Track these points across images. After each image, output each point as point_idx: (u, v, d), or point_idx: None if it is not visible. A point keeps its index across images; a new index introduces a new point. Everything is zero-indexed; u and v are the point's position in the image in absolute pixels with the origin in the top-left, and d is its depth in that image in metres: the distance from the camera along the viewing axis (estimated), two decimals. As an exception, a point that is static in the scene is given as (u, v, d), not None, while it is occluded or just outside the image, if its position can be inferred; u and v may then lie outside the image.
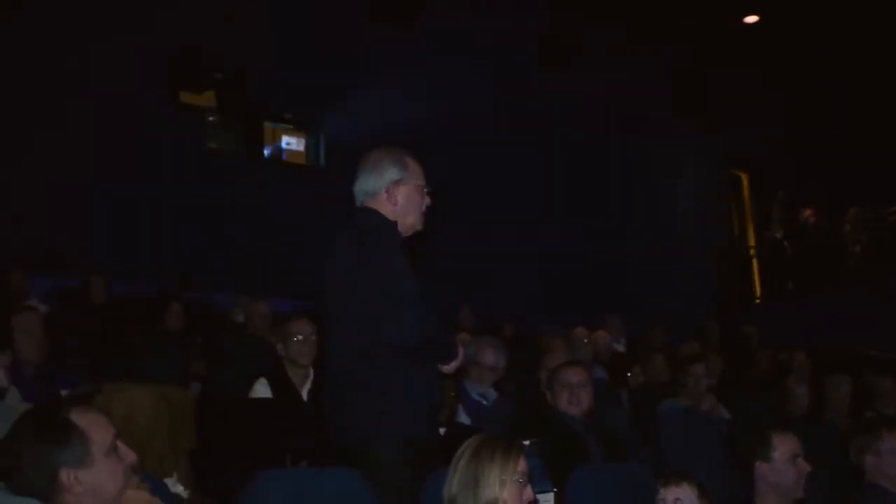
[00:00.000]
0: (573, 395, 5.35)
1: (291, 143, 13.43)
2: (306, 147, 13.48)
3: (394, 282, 3.79)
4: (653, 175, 16.55)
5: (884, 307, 13.26)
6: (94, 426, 2.63)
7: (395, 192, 4.06)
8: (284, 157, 13.43)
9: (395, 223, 4.03)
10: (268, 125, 13.27)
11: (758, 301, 16.41)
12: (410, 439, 3.83)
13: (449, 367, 4.03)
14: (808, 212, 16.07)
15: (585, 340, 8.95)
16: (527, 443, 3.81)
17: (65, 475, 2.55)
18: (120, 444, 2.69)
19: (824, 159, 16.45)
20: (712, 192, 17.78)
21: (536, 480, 3.70)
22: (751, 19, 15.86)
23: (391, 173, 4.08)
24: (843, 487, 5.11)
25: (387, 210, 4.06)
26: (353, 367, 3.88)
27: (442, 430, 5.00)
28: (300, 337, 5.76)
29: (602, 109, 15.15)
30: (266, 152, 13.28)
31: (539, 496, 3.89)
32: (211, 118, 12.61)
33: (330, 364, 4.10)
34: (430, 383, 4.00)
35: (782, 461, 4.34)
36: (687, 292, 15.23)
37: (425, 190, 4.15)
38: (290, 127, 13.46)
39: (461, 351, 4.04)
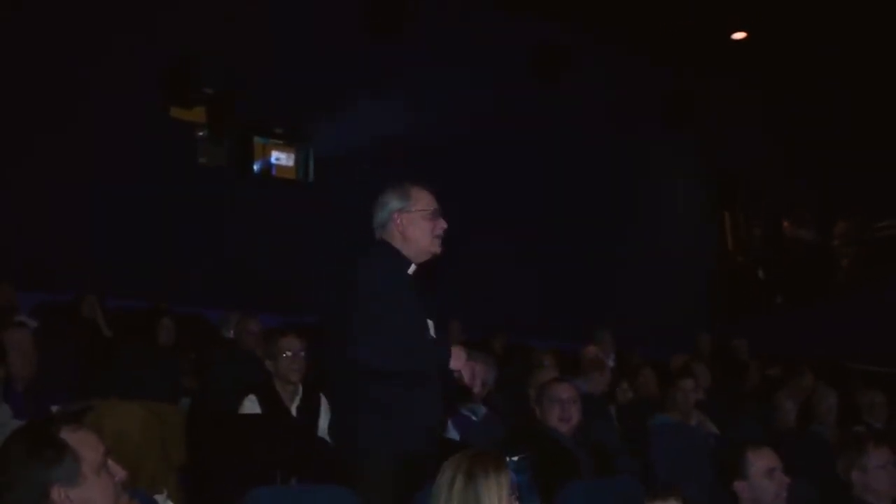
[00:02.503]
0: (563, 411, 5.35)
1: (281, 158, 13.43)
2: (296, 162, 13.48)
3: (372, 304, 3.93)
4: (644, 189, 16.58)
5: (872, 320, 13.31)
6: (85, 444, 2.64)
7: (399, 221, 4.24)
8: (274, 172, 13.43)
9: (398, 251, 4.21)
10: (258, 140, 13.27)
11: (748, 314, 16.41)
12: (402, 454, 3.88)
13: (466, 379, 4.10)
14: (786, 224, 16.14)
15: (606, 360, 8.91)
16: (516, 458, 3.81)
17: (56, 493, 2.55)
18: (110, 461, 2.70)
19: (814, 173, 16.53)
20: (704, 206, 17.82)
21: (525, 495, 3.71)
22: (738, 36, 15.91)
23: (393, 204, 4.27)
24: (832, 501, 5.11)
25: (396, 239, 4.25)
26: (353, 383, 3.98)
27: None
28: (289, 353, 5.76)
29: (593, 123, 15.21)
30: (256, 167, 13.28)
31: (527, 511, 3.90)
32: (201, 133, 12.60)
33: (333, 380, 4.18)
34: (426, 400, 4.07)
35: (759, 476, 4.33)
36: (678, 306, 15.25)
37: (433, 214, 4.31)
38: (280, 142, 13.46)
39: (463, 360, 4.08)
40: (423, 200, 4.30)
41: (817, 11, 14.10)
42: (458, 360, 4.06)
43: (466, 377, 4.10)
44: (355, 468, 3.95)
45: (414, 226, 4.25)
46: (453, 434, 6.17)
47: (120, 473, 2.73)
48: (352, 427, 3.98)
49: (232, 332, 8.93)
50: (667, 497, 3.96)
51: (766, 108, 16.89)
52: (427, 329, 4.19)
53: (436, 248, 4.33)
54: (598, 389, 8.29)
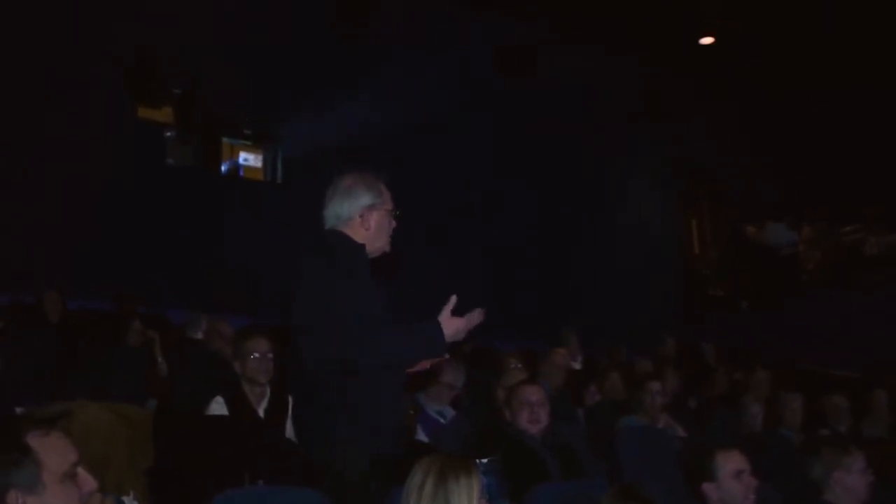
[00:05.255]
0: (532, 414, 5.37)
1: (249, 158, 13.41)
2: (264, 163, 13.47)
3: (356, 303, 3.81)
4: (612, 190, 16.63)
5: (837, 325, 13.40)
6: (51, 451, 2.55)
7: (368, 218, 4.10)
8: (242, 172, 13.41)
9: (363, 246, 4.07)
10: (226, 141, 13.25)
11: (714, 318, 16.43)
12: (377, 456, 3.84)
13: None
14: (750, 228, 16.24)
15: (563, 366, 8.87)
16: (485, 460, 3.81)
17: (13, 497, 2.46)
18: (80, 470, 2.61)
19: (781, 177, 16.63)
20: (671, 208, 17.89)
21: (494, 497, 3.71)
22: (706, 41, 15.99)
23: (365, 199, 4.11)
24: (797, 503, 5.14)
25: (359, 234, 4.09)
26: (321, 383, 3.88)
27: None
28: (257, 355, 5.72)
29: (561, 124, 15.22)
30: (224, 168, 13.25)
31: (497, 514, 3.90)
32: (168, 134, 12.55)
33: (298, 380, 4.11)
34: (396, 399, 4.03)
35: (728, 479, 4.34)
36: (644, 309, 15.28)
37: (395, 213, 4.19)
38: (248, 143, 13.45)
39: (459, 327, 3.93)
40: (389, 198, 4.18)
41: (785, 15, 14.20)
42: (456, 334, 3.92)
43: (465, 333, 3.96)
44: (326, 470, 3.88)
45: (379, 224, 4.11)
46: (422, 436, 6.16)
47: (90, 484, 2.64)
48: (322, 429, 3.89)
49: (200, 333, 8.89)
50: None
51: (734, 112, 16.99)
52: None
53: (388, 247, 4.20)
54: (556, 383, 8.26)
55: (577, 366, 10.67)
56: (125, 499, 3.86)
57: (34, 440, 2.54)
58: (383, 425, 3.92)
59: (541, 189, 15.00)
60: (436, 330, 3.88)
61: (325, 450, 3.89)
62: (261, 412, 5.69)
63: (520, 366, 7.92)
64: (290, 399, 5.63)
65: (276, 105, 12.72)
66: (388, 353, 3.84)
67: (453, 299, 3.95)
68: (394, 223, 4.20)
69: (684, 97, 16.55)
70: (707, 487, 4.37)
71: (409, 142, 13.01)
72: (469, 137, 14.19)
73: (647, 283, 16.10)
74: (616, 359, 11.17)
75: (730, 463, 4.38)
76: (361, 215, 4.10)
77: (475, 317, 3.96)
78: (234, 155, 13.35)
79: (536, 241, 14.75)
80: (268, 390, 5.78)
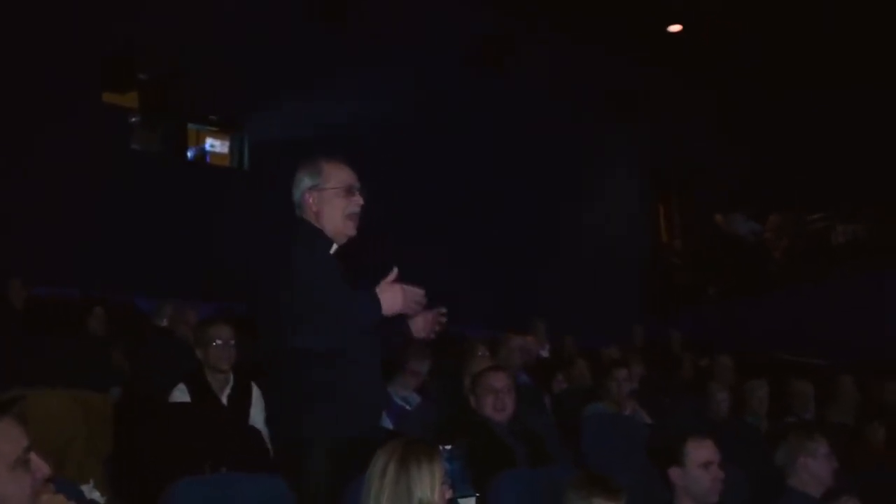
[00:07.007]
0: (498, 401, 5.33)
1: (215, 145, 13.35)
2: (230, 149, 13.39)
3: (308, 292, 3.80)
4: (581, 180, 16.61)
5: (803, 312, 13.47)
6: (2, 437, 2.49)
7: (311, 200, 4.08)
8: (208, 159, 13.34)
9: (319, 230, 4.05)
10: (192, 127, 13.16)
11: (681, 306, 16.46)
12: (345, 440, 3.84)
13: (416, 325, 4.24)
14: (718, 217, 16.29)
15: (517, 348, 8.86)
16: (449, 447, 3.79)
17: None
18: (33, 456, 2.55)
19: (749, 166, 16.68)
20: (640, 198, 17.90)
21: (458, 484, 3.69)
22: (674, 28, 16.01)
23: (305, 181, 4.11)
24: (764, 490, 5.14)
25: (312, 217, 4.08)
26: (282, 367, 3.90)
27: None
28: (219, 342, 5.69)
29: (531, 115, 15.19)
30: (190, 154, 13.17)
31: (461, 500, 3.88)
32: (134, 119, 12.46)
33: (268, 369, 4.12)
34: (367, 382, 4.03)
35: (695, 467, 4.36)
36: (612, 297, 15.31)
37: (346, 190, 4.11)
38: (215, 129, 13.37)
39: (399, 298, 4.03)
40: (336, 177, 4.11)
41: (753, 6, 14.22)
42: (394, 301, 3.99)
43: (415, 317, 4.20)
44: (296, 457, 3.87)
45: (325, 204, 4.07)
46: (387, 423, 6.13)
47: (43, 469, 2.61)
48: (294, 415, 3.88)
49: (165, 320, 8.83)
50: (616, 498, 3.90)
51: (703, 102, 17.01)
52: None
53: (349, 231, 4.13)
54: (512, 366, 8.24)
55: (545, 353, 10.68)
56: (84, 487, 3.82)
57: None
58: (358, 409, 3.94)
59: (512, 181, 14.97)
60: (372, 297, 3.93)
61: (299, 436, 3.88)
62: (224, 399, 5.67)
63: (487, 353, 7.89)
64: (255, 387, 5.63)
65: (243, 92, 12.64)
66: (337, 335, 3.83)
67: (394, 272, 4.07)
68: (356, 201, 4.13)
69: (655, 89, 16.53)
70: (673, 472, 4.37)
71: (380, 133, 12.94)
72: (440, 130, 14.15)
73: (617, 272, 16.12)
74: (569, 349, 11.17)
75: (699, 451, 4.39)
76: (304, 199, 4.09)
77: (417, 291, 4.15)
78: (200, 141, 13.28)
79: (507, 231, 14.72)
80: (231, 377, 5.75)
